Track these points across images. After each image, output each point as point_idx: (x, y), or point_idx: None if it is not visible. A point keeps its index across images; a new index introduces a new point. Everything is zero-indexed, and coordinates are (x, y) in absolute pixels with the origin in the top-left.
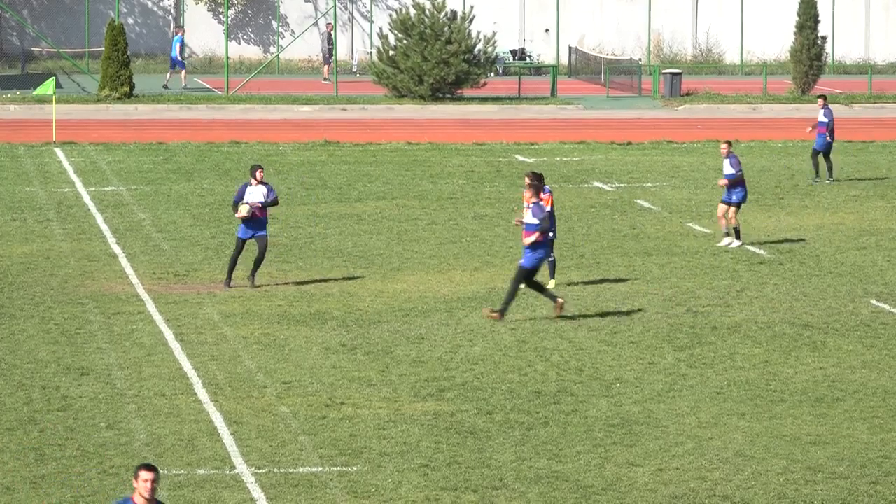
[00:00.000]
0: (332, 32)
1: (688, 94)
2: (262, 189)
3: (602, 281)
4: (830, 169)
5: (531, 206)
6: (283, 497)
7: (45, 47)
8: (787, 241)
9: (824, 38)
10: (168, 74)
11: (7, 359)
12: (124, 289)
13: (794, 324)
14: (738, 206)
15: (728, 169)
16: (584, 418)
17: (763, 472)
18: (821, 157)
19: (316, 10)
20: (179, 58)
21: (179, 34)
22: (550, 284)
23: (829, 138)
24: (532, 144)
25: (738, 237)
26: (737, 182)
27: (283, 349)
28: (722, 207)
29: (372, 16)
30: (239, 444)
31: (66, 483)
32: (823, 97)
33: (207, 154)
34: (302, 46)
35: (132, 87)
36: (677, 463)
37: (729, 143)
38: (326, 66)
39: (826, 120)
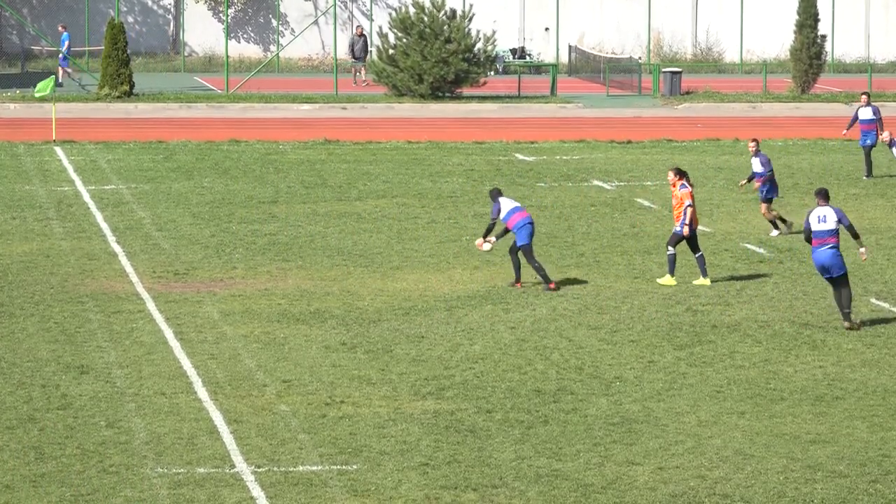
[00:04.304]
0: (364, 34)
1: (688, 93)
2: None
3: (602, 279)
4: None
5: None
6: (282, 495)
7: (45, 46)
8: (787, 239)
9: (824, 36)
10: (62, 73)
11: (7, 357)
12: (124, 287)
13: (793, 322)
14: (769, 201)
15: (757, 167)
16: (583, 417)
17: (763, 471)
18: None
19: (316, 8)
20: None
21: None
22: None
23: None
24: (532, 143)
25: (775, 227)
26: (767, 180)
27: (283, 348)
28: (763, 206)
29: (371, 14)
30: (239, 443)
31: (65, 481)
32: (867, 94)
33: (207, 153)
34: (302, 45)
35: (132, 86)
36: (677, 461)
37: (756, 142)
38: (363, 68)
39: (874, 117)
